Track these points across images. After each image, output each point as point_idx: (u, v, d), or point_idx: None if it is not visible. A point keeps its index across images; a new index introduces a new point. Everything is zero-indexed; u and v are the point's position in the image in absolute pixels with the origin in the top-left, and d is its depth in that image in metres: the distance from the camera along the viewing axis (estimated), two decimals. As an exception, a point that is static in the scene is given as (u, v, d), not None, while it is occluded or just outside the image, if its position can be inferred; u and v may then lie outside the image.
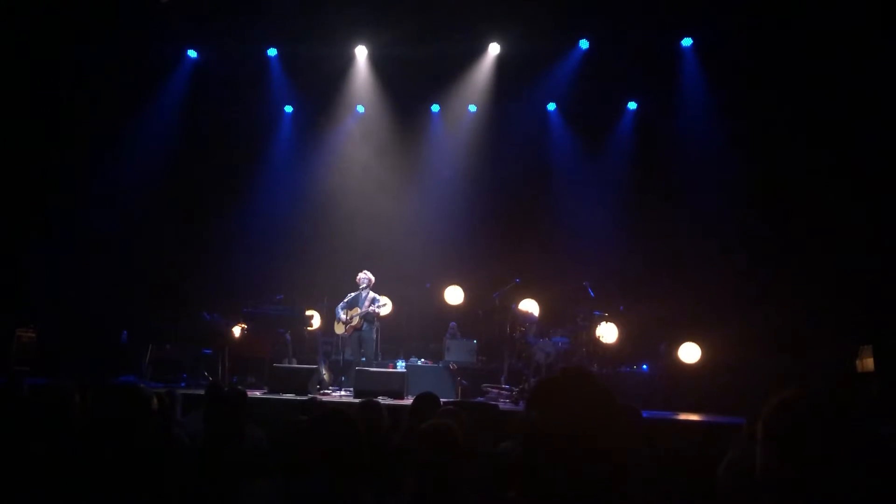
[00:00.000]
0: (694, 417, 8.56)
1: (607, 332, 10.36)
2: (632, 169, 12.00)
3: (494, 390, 9.96)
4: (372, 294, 10.20)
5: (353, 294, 10.26)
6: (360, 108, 12.68)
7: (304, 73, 12.03)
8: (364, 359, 10.07)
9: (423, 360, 11.13)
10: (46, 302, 10.78)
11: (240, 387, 8.77)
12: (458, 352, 10.76)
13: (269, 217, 12.23)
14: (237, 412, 4.09)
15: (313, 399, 7.84)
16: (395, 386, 9.10)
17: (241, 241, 11.96)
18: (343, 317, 10.18)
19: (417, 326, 11.76)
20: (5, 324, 9.93)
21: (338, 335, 10.39)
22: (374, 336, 10.23)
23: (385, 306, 10.10)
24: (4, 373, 9.29)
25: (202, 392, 6.81)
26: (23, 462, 3.11)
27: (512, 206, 12.27)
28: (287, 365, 10.02)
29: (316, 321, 10.94)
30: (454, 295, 11.71)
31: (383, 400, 7.53)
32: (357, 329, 10.12)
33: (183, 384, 9.50)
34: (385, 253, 11.42)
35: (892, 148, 9.64)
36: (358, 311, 10.10)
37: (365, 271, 10.27)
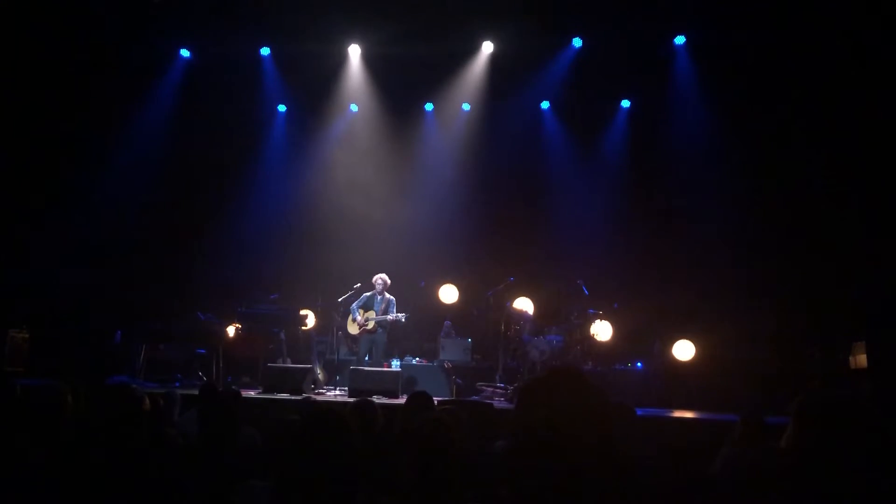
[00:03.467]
0: (688, 415, 8.58)
1: (602, 330, 10.38)
2: (625, 167, 12.03)
3: (489, 389, 9.96)
4: (389, 297, 10.29)
5: (367, 294, 10.34)
6: (354, 107, 12.68)
7: (297, 73, 12.02)
8: (369, 358, 10.12)
9: (417, 358, 11.14)
10: (39, 302, 10.73)
11: (234, 387, 8.77)
12: (452, 350, 10.76)
13: (262, 216, 12.21)
14: (231, 412, 4.08)
15: (308, 399, 7.85)
16: (390, 385, 9.10)
17: (235, 240, 11.93)
18: (359, 318, 10.22)
19: (412, 325, 11.75)
20: (-2, 325, 9.90)
21: (335, 335, 10.40)
22: (386, 339, 10.34)
23: (397, 317, 10.12)
24: (-3, 374, 9.25)
25: (196, 392, 6.79)
26: (15, 463, 3.10)
27: (506, 205, 12.27)
28: (281, 365, 10.01)
29: (310, 321, 10.93)
30: (448, 294, 11.72)
31: (378, 399, 7.53)
32: (371, 333, 10.19)
33: (177, 384, 9.49)
34: (379, 252, 11.41)
35: (887, 144, 9.68)
36: (374, 314, 10.15)
37: (381, 275, 10.36)
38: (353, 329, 10.35)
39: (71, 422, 3.74)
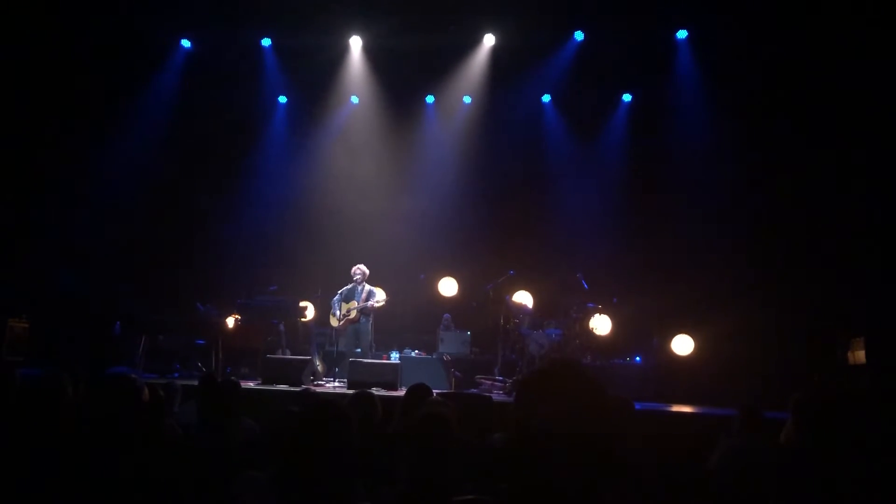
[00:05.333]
0: (686, 409, 8.59)
1: (601, 324, 10.39)
2: (626, 161, 12.02)
3: (488, 382, 9.97)
4: (368, 287, 10.28)
5: (348, 287, 10.32)
6: (355, 99, 12.65)
7: (298, 64, 11.99)
8: (359, 349, 10.13)
9: (416, 351, 11.14)
10: (39, 292, 10.74)
11: (233, 378, 8.76)
12: (451, 343, 10.77)
13: (262, 208, 12.20)
14: (230, 403, 4.09)
15: (307, 390, 7.86)
16: (389, 377, 9.12)
17: (235, 231, 11.94)
18: (338, 312, 10.23)
19: (411, 318, 11.77)
20: (-2, 314, 9.91)
21: (332, 327, 10.43)
22: (370, 328, 10.30)
23: (381, 302, 10.18)
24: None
25: (196, 383, 6.80)
26: (14, 452, 3.10)
27: (506, 198, 12.27)
28: (281, 356, 10.02)
29: (310, 312, 10.94)
30: (448, 286, 11.73)
31: (377, 391, 7.54)
32: (353, 322, 10.17)
33: (176, 375, 9.49)
34: (379, 244, 11.42)
35: (887, 139, 9.66)
36: (355, 304, 10.16)
37: (359, 265, 10.32)
38: (334, 322, 10.33)
39: (70, 412, 3.74)
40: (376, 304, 10.20)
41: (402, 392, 7.33)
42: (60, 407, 3.72)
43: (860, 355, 9.20)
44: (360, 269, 10.30)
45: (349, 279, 10.33)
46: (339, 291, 10.33)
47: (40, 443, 3.16)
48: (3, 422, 3.59)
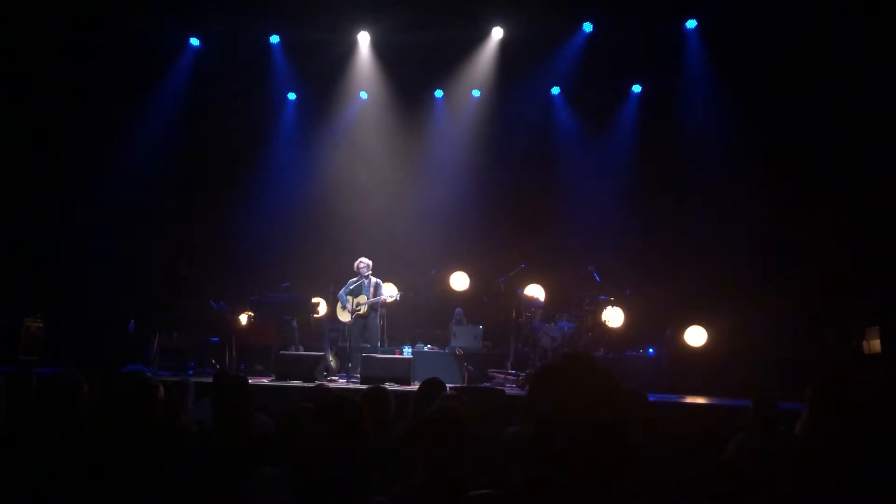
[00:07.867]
0: (700, 401, 8.56)
1: (613, 317, 10.37)
2: (636, 152, 11.95)
3: (501, 375, 9.97)
4: (375, 280, 10.19)
5: (355, 280, 10.20)
6: (364, 95, 12.65)
7: (306, 60, 12.01)
8: (368, 345, 10.11)
9: (429, 346, 11.15)
10: (54, 292, 10.82)
11: (240, 374, 8.80)
12: (464, 337, 10.77)
13: (274, 204, 12.24)
14: (244, 400, 4.10)
15: (320, 386, 7.88)
16: (402, 372, 9.12)
17: (247, 228, 11.98)
18: (348, 304, 10.21)
19: (423, 313, 11.77)
20: (13, 314, 9.98)
21: (344, 322, 10.43)
22: (379, 323, 10.28)
23: (393, 297, 10.14)
24: (13, 363, 9.36)
25: (210, 380, 6.84)
26: (31, 452, 3.13)
27: (517, 191, 12.25)
28: (294, 352, 10.05)
29: (322, 308, 10.96)
30: (460, 281, 11.73)
31: (390, 386, 7.55)
32: (363, 317, 10.13)
33: (190, 372, 9.55)
34: (390, 239, 11.43)
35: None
36: (364, 298, 10.09)
37: (363, 258, 10.22)
38: (344, 317, 10.27)
39: (86, 410, 3.77)
40: (388, 300, 10.18)
41: (415, 387, 7.36)
42: (77, 406, 3.75)
43: (875, 344, 9.14)
44: (364, 262, 10.13)
45: (358, 274, 10.31)
46: (348, 286, 10.25)
47: (57, 441, 3.19)
48: (21, 421, 3.63)
